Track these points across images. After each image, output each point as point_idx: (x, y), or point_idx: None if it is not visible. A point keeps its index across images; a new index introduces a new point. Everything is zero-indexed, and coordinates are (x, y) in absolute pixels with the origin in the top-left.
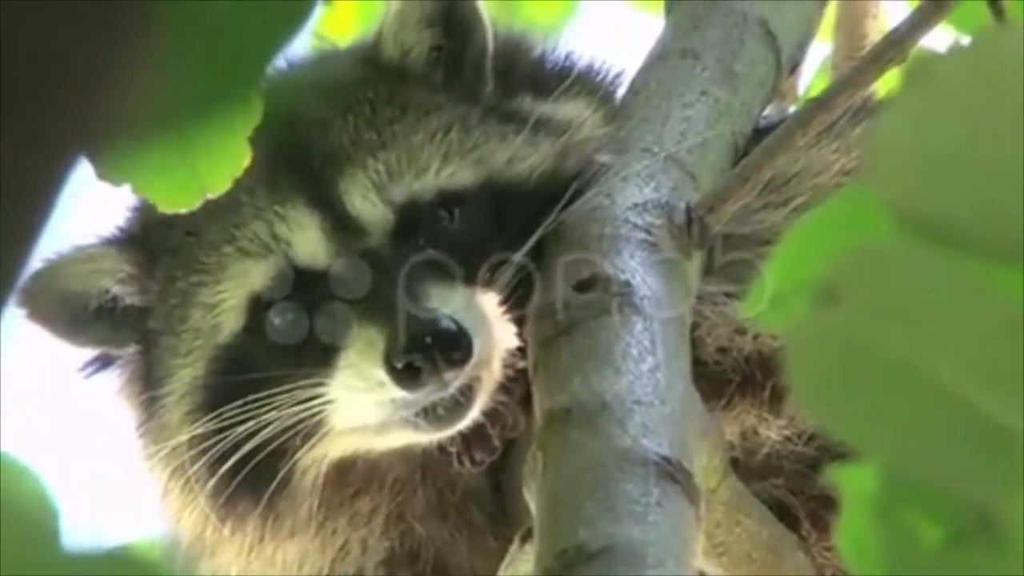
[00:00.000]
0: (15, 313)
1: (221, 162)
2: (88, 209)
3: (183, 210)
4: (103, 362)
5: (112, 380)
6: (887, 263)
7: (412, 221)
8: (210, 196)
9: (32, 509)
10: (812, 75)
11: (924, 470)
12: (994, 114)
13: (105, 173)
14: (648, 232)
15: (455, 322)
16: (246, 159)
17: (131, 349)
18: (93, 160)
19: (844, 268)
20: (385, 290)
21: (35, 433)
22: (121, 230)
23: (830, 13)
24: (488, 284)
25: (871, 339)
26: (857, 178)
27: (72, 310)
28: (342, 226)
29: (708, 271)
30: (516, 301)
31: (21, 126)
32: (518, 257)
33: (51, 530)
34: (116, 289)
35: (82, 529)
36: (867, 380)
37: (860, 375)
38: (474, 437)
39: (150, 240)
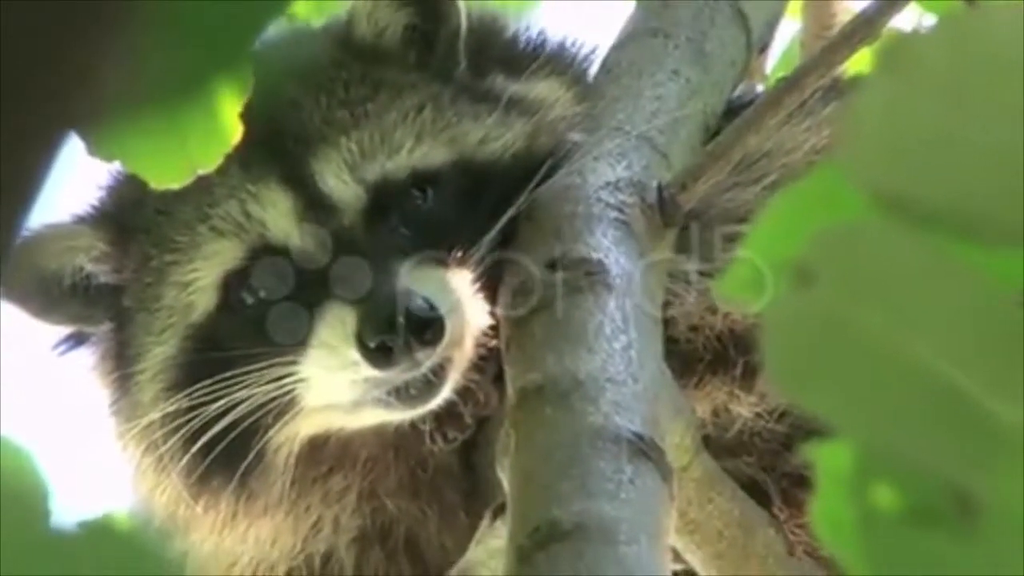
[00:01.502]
0: None
1: (211, 138)
2: (79, 185)
3: (174, 186)
4: (77, 340)
5: (86, 357)
6: (861, 242)
7: (385, 201)
8: (201, 172)
9: (25, 489)
10: (781, 55)
11: (900, 449)
12: (968, 95)
13: (96, 149)
14: (620, 211)
15: (427, 302)
16: (236, 135)
17: (105, 327)
18: (84, 136)
19: (818, 247)
20: (357, 270)
21: (17, 412)
22: (95, 208)
23: None
24: (461, 263)
25: (846, 318)
26: (829, 157)
27: (46, 288)
28: (314, 205)
29: (680, 249)
30: (489, 280)
31: (9, 105)
32: (490, 236)
33: (42, 509)
34: (90, 267)
35: (66, 504)
36: (842, 358)
37: (835, 353)
38: (446, 415)
39: (124, 218)
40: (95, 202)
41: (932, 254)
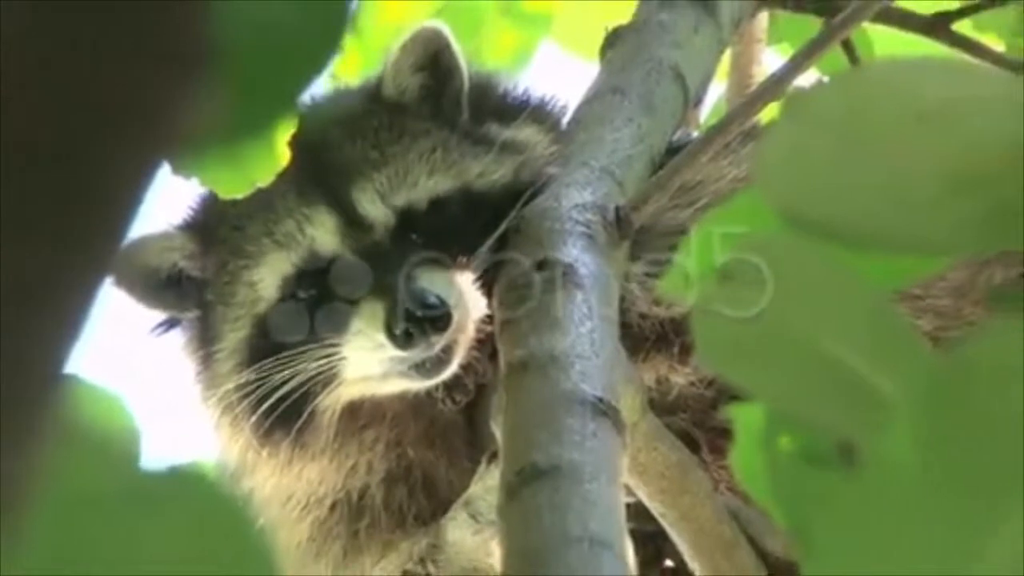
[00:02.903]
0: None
1: (265, 161)
2: (168, 197)
3: (237, 196)
4: (171, 324)
5: (177, 338)
6: (773, 250)
7: (407, 221)
8: (258, 186)
9: (116, 432)
10: (711, 108)
11: (799, 410)
12: (853, 134)
13: (179, 170)
14: (587, 227)
15: (439, 298)
16: (285, 159)
17: (192, 314)
18: (171, 161)
19: (740, 254)
20: (387, 274)
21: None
22: (188, 219)
23: (725, 59)
24: (464, 267)
25: (762, 311)
26: (747, 185)
27: (148, 280)
28: (354, 225)
29: (632, 256)
30: (486, 280)
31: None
32: (487, 246)
33: (132, 450)
34: (182, 264)
35: (156, 450)
36: (756, 340)
37: (751, 336)
38: (454, 384)
39: (209, 230)
40: (188, 215)
41: (828, 260)
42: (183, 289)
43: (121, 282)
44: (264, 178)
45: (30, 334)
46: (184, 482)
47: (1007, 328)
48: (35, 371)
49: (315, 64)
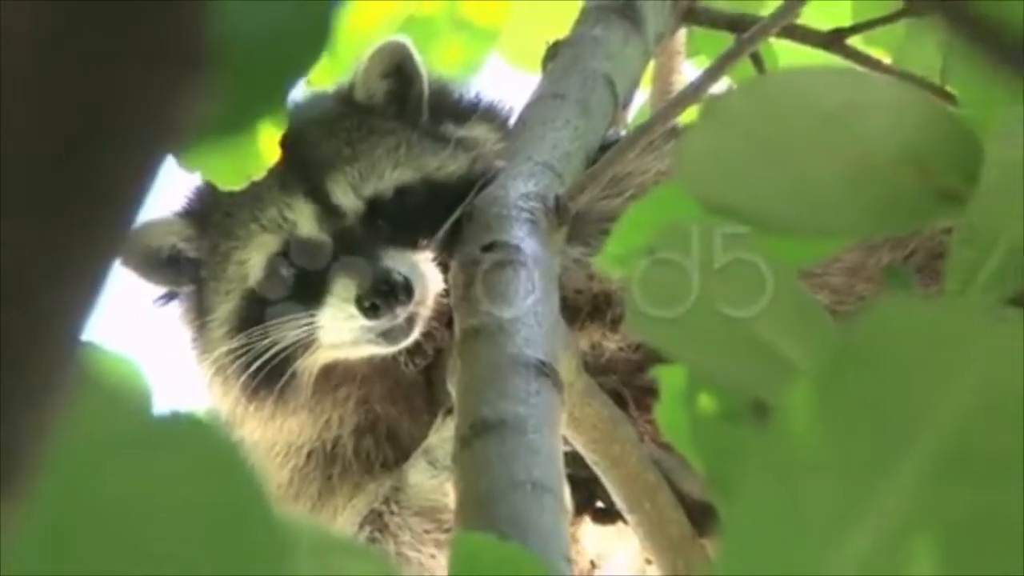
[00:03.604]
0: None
1: (259, 156)
2: (174, 185)
3: (235, 188)
4: (170, 296)
5: (176, 309)
6: (691, 234)
7: (375, 208)
8: (253, 178)
9: (129, 387)
10: (637, 110)
11: (718, 372)
12: (759, 132)
13: (182, 163)
14: (531, 213)
15: (403, 275)
16: (276, 155)
17: (188, 288)
18: (175, 154)
19: (664, 237)
20: (357, 254)
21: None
22: (186, 207)
23: (649, 69)
24: (425, 249)
25: (681, 283)
26: (669, 177)
27: (151, 260)
28: (329, 212)
29: (569, 239)
30: (443, 259)
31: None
32: (444, 230)
33: (144, 403)
34: (181, 246)
35: (162, 404)
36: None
37: (673, 307)
38: (415, 349)
39: (204, 216)
40: (186, 203)
41: (742, 241)
42: (181, 267)
43: (128, 261)
44: (257, 172)
45: (53, 304)
46: (187, 426)
47: (894, 304)
48: (58, 336)
49: (298, 69)
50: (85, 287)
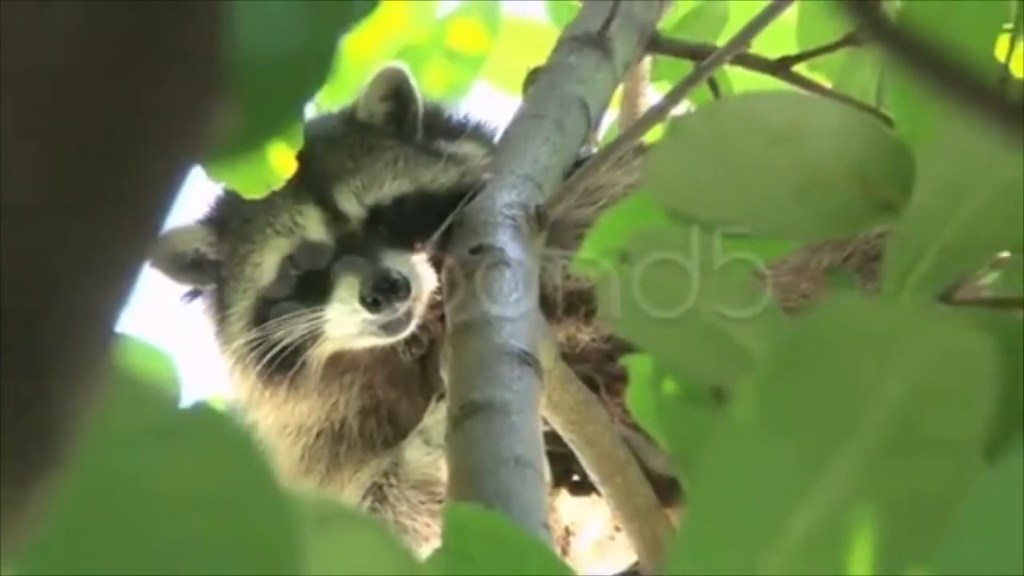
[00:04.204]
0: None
1: (278, 167)
2: (200, 193)
3: (256, 196)
4: (194, 294)
5: (200, 305)
6: (660, 238)
7: (376, 215)
8: (273, 188)
9: (158, 376)
10: (606, 130)
11: (681, 361)
12: (717, 150)
13: (209, 174)
14: (514, 220)
15: (401, 274)
16: (292, 167)
17: (211, 287)
18: (202, 166)
19: (634, 241)
20: (360, 256)
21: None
22: (208, 215)
23: (618, 93)
24: (420, 251)
25: (651, 285)
26: (637, 189)
27: (177, 262)
28: (335, 218)
29: (548, 243)
30: (436, 260)
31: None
32: (437, 235)
33: (171, 391)
34: (203, 250)
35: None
36: (648, 306)
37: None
38: (412, 340)
39: (224, 223)
40: (207, 211)
41: (706, 244)
42: (204, 269)
43: (157, 263)
44: (276, 182)
45: (90, 298)
46: (206, 417)
47: (840, 302)
48: (94, 327)
49: (307, 92)
50: (118, 283)
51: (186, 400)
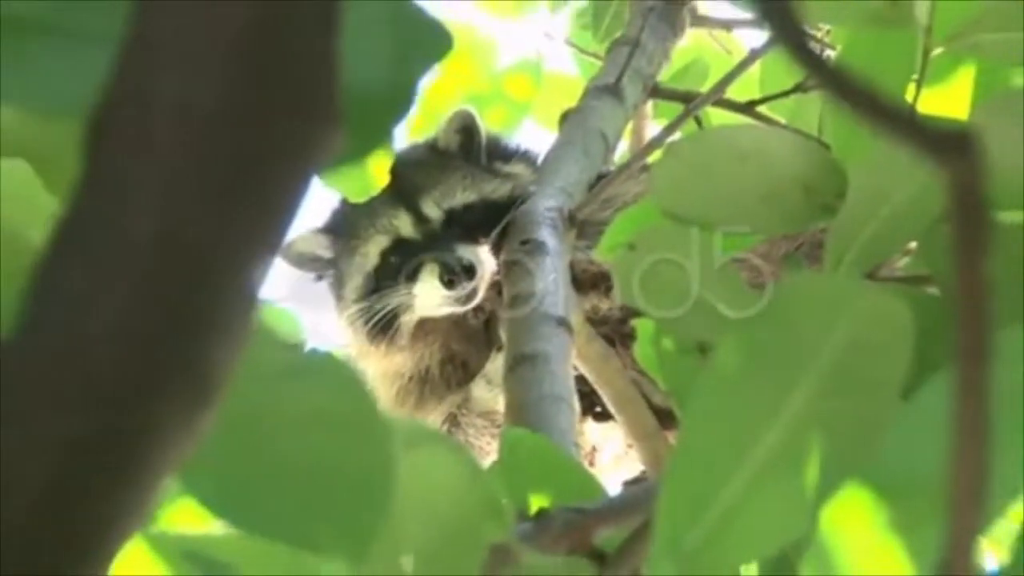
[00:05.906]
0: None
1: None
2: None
3: (359, 199)
4: (320, 278)
5: (326, 284)
6: (661, 234)
7: (452, 217)
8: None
9: (287, 332)
10: (620, 154)
11: (677, 324)
12: (702, 167)
13: (324, 182)
14: (552, 221)
15: (470, 261)
16: (387, 176)
17: (331, 272)
18: (319, 175)
19: (641, 235)
20: (440, 247)
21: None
22: (325, 223)
23: (628, 127)
24: (485, 243)
25: (653, 267)
26: (644, 197)
27: (302, 258)
28: (421, 220)
29: (577, 237)
30: (496, 250)
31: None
32: (496, 232)
33: (297, 342)
34: (320, 252)
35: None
36: (649, 283)
37: (646, 281)
38: (478, 308)
39: (337, 227)
40: (326, 220)
41: (701, 238)
42: (321, 264)
43: (286, 257)
44: (375, 189)
45: (244, 274)
46: (324, 361)
47: (794, 280)
48: (242, 293)
49: (396, 116)
50: (259, 265)
51: (309, 349)
